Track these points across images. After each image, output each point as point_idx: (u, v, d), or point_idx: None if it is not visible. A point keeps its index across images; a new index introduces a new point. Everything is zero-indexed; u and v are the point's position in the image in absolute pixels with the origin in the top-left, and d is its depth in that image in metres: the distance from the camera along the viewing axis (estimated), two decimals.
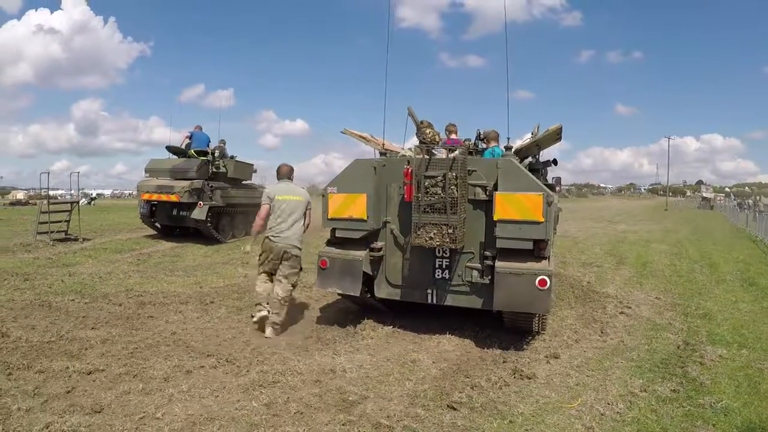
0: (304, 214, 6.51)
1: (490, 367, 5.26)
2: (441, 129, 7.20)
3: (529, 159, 7.81)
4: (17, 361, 4.97)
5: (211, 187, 14.88)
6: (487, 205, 5.83)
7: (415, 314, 6.99)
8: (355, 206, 6.13)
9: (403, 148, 7.42)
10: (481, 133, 7.23)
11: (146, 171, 15.72)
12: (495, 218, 5.58)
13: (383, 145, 7.23)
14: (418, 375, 5.04)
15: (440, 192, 5.72)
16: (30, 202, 43.41)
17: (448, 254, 6.09)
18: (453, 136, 7.09)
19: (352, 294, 6.32)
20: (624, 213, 42.24)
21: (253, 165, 18.03)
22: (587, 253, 14.29)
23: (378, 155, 7.06)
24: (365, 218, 6.11)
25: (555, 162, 8.26)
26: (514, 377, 4.96)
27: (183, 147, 15.74)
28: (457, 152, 6.07)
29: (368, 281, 6.47)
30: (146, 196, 14.94)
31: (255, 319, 6.38)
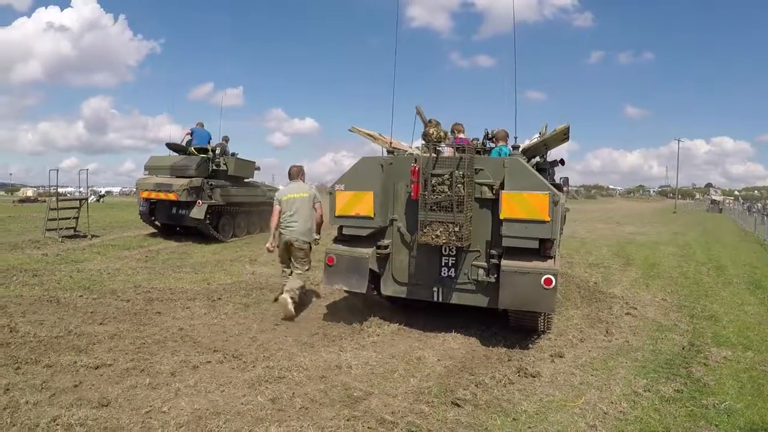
0: (314, 208, 7.17)
1: (495, 365, 5.29)
2: (448, 129, 7.22)
3: (537, 158, 7.83)
4: (25, 356, 5.03)
5: (211, 185, 14.66)
6: (493, 204, 5.85)
7: (420, 312, 7.02)
8: (362, 204, 6.16)
9: (410, 147, 7.45)
10: (490, 132, 7.24)
11: (146, 168, 15.51)
12: (501, 217, 5.60)
13: (391, 143, 7.26)
14: (423, 372, 5.06)
15: (447, 190, 5.74)
16: (39, 199, 43.65)
17: (454, 252, 6.11)
18: (461, 135, 7.11)
19: (358, 291, 6.35)
20: (632, 215, 42.04)
21: (255, 162, 17.69)
22: (595, 254, 14.26)
23: (386, 153, 7.09)
24: (372, 216, 6.14)
25: (562, 162, 8.27)
26: (519, 375, 4.98)
27: (183, 144, 15.61)
28: (453, 149, 6.12)
29: (375, 278, 6.51)
30: (145, 194, 14.78)
31: (276, 301, 7.16)
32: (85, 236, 14.48)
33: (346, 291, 6.75)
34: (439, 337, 6.20)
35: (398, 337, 6.19)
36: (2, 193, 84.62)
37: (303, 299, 7.44)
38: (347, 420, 3.97)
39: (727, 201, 74.39)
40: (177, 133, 22.44)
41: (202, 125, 16.01)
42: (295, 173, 7.46)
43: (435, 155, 5.92)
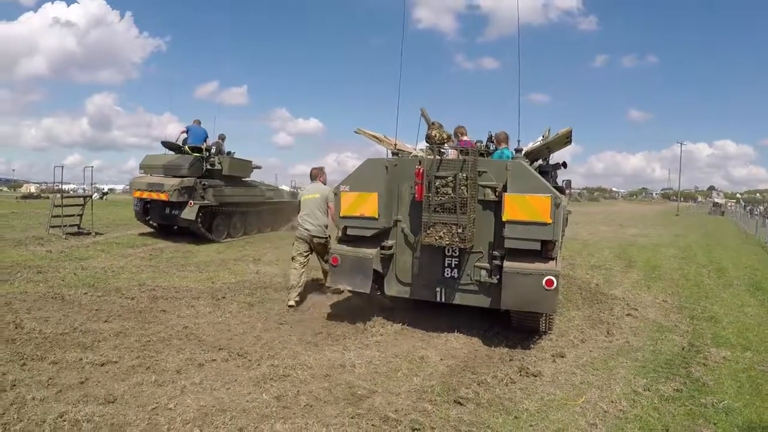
0: (328, 206, 7.48)
1: (497, 365, 5.34)
2: (451, 131, 7.26)
3: (539, 161, 7.88)
4: (31, 352, 5.09)
5: (204, 185, 14.36)
6: (496, 206, 5.90)
7: (424, 312, 7.06)
8: (366, 205, 6.22)
9: (415, 149, 7.51)
10: (493, 135, 7.29)
11: (141, 167, 15.28)
12: (504, 219, 5.65)
13: (396, 145, 7.31)
14: (426, 371, 5.11)
15: (451, 192, 5.80)
16: (42, 195, 43.72)
17: (457, 253, 6.16)
18: (465, 138, 7.16)
19: (362, 291, 6.39)
20: (635, 217, 42.03)
21: (251, 162, 17.25)
22: (597, 255, 14.29)
23: (390, 155, 7.14)
24: (377, 217, 6.20)
25: (564, 165, 8.33)
26: (520, 375, 5.04)
27: (178, 142, 15.31)
28: (457, 152, 6.17)
29: (378, 279, 6.56)
30: (137, 194, 14.63)
31: (289, 303, 7.56)
32: (88, 234, 14.50)
33: (350, 291, 6.80)
34: (442, 336, 6.25)
35: (401, 337, 6.24)
36: (5, 189, 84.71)
37: (306, 298, 7.52)
38: (351, 418, 4.03)
39: (730, 204, 74.31)
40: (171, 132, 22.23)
41: (199, 123, 15.75)
42: (314, 175, 8.09)
43: (439, 157, 5.97)
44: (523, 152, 6.92)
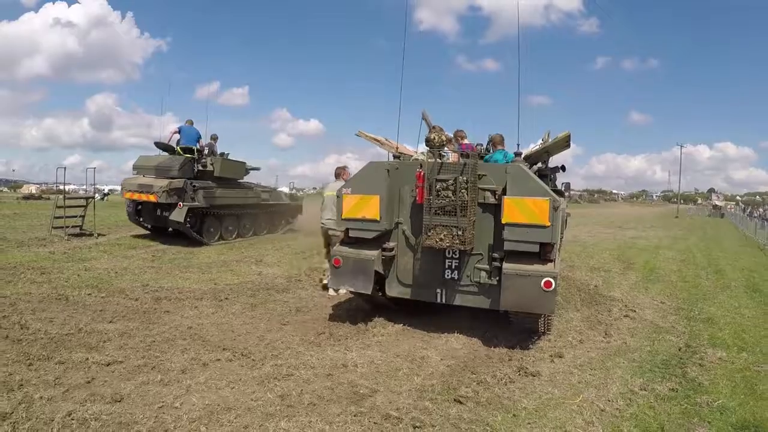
0: None
1: (496, 365, 5.42)
2: (451, 134, 7.33)
3: (539, 164, 7.96)
4: (37, 352, 5.14)
5: (194, 186, 14.09)
6: (496, 209, 5.98)
7: (424, 313, 7.14)
8: (368, 207, 6.30)
9: (416, 152, 7.58)
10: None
11: (134, 168, 15.02)
12: (503, 221, 5.74)
13: (397, 148, 7.39)
14: (427, 371, 5.19)
15: (451, 195, 5.88)
16: (43, 196, 43.69)
17: (457, 255, 6.24)
18: (465, 141, 7.23)
19: (364, 292, 6.47)
20: (635, 219, 42.08)
21: (245, 163, 16.91)
22: (596, 257, 14.36)
23: (392, 158, 7.22)
24: (378, 219, 6.28)
25: (563, 168, 8.41)
26: (519, 374, 5.12)
27: (171, 143, 15.09)
28: (458, 155, 6.25)
29: (380, 280, 6.63)
30: (128, 195, 14.48)
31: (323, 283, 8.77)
32: (91, 235, 14.57)
33: (351, 292, 6.87)
34: (442, 337, 6.33)
35: (402, 337, 6.32)
36: (5, 189, 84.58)
37: (309, 299, 7.60)
38: (354, 416, 4.11)
39: (729, 206, 74.40)
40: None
41: (192, 123, 15.48)
42: (338, 174, 8.94)
43: (439, 161, 6.05)
44: (523, 156, 7.00)
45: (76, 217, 14.77)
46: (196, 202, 14.10)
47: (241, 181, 16.73)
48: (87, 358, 5.06)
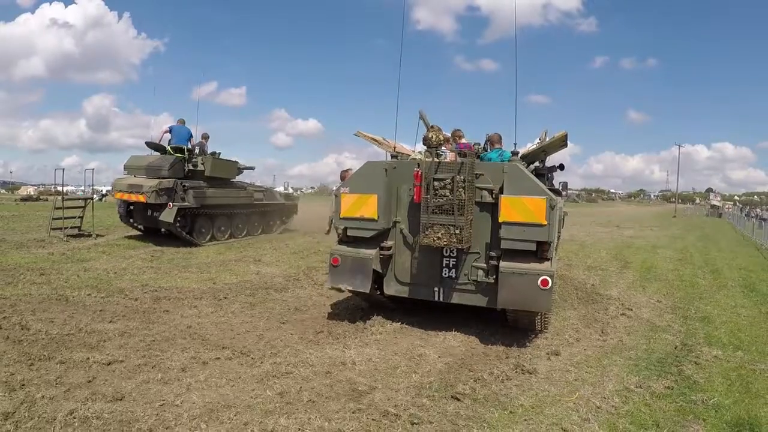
0: None
1: (494, 362, 5.47)
2: (449, 133, 7.37)
3: (536, 164, 8.00)
4: (38, 352, 5.18)
5: (184, 186, 13.90)
6: (493, 208, 6.03)
7: (422, 311, 7.19)
8: (366, 206, 6.34)
9: (414, 151, 7.62)
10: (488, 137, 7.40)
11: (125, 168, 14.84)
12: (500, 220, 5.79)
13: (395, 147, 7.42)
14: (425, 368, 5.23)
15: (448, 194, 5.93)
16: (42, 197, 43.66)
17: (455, 254, 6.29)
18: (463, 141, 7.26)
19: (362, 291, 6.51)
20: (632, 219, 42.12)
21: (237, 163, 16.57)
22: (593, 257, 14.42)
23: (389, 157, 7.25)
24: (376, 218, 6.32)
25: (562, 167, 8.43)
26: (516, 372, 5.17)
27: (162, 142, 14.89)
28: (455, 155, 6.29)
29: (378, 279, 6.68)
30: (118, 195, 14.31)
31: None
32: (89, 235, 14.56)
33: (350, 291, 6.92)
34: (440, 335, 6.37)
35: (400, 335, 6.36)
36: (3, 191, 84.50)
37: (307, 298, 7.63)
38: (352, 412, 4.15)
39: (727, 206, 74.49)
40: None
41: (183, 122, 15.29)
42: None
43: (437, 160, 6.10)
44: (520, 155, 7.04)
45: (74, 218, 14.75)
46: (186, 203, 13.92)
47: (233, 180, 16.52)
48: (88, 358, 5.09)
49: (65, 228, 14.18)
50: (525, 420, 4.15)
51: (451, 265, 6.33)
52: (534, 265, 5.74)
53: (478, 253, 6.20)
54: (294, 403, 4.28)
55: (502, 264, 5.84)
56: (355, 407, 4.24)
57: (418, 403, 4.37)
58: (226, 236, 15.69)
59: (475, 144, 7.21)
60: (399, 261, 6.58)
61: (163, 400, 4.24)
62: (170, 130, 14.94)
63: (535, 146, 7.90)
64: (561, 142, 7.52)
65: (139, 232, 15.58)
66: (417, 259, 6.46)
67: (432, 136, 6.51)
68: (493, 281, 6.06)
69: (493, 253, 6.09)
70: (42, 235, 14.09)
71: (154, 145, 14.93)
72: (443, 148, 6.53)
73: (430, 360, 5.49)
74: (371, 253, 6.41)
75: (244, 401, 4.28)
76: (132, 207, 14.78)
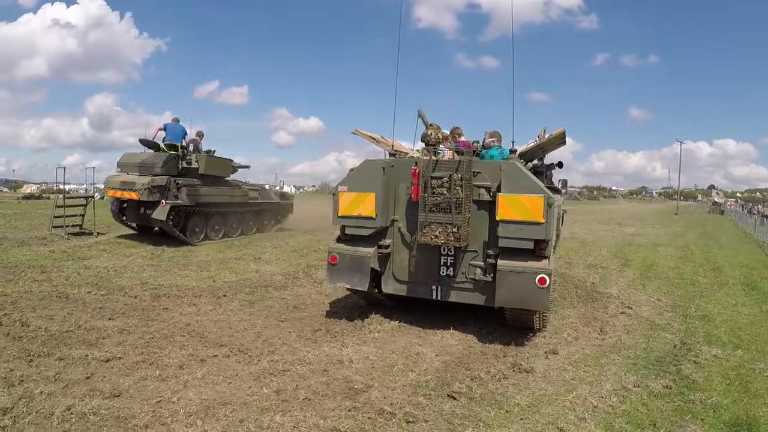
0: None
1: (491, 361, 5.47)
2: (448, 132, 7.36)
3: (534, 161, 7.99)
4: (37, 349, 5.21)
5: (178, 184, 13.70)
6: (490, 206, 6.02)
7: (420, 310, 7.18)
8: (364, 205, 6.34)
9: (412, 149, 7.61)
10: (487, 135, 7.38)
11: (118, 165, 14.59)
12: (498, 218, 5.78)
13: (393, 146, 7.41)
14: (422, 367, 5.24)
15: (446, 192, 5.93)
16: (43, 196, 43.70)
17: (452, 252, 6.29)
18: (462, 139, 7.26)
19: (360, 289, 6.53)
20: (634, 216, 41.98)
21: (231, 161, 16.43)
22: (594, 254, 14.39)
23: (388, 156, 7.25)
24: (374, 216, 6.32)
25: (560, 165, 8.43)
26: (513, 371, 5.16)
27: (154, 139, 14.82)
28: (453, 153, 6.29)
29: (376, 277, 6.69)
30: (111, 193, 14.10)
31: None
32: (90, 234, 14.61)
33: (348, 289, 6.91)
34: (438, 333, 6.37)
35: (398, 334, 6.36)
36: (6, 189, 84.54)
37: (305, 296, 7.64)
38: (348, 410, 4.15)
39: (729, 203, 74.33)
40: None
41: (178, 120, 15.13)
42: None
43: (435, 158, 6.09)
44: (518, 153, 7.03)
45: (75, 216, 14.79)
46: (180, 200, 13.72)
47: (228, 179, 16.38)
48: (86, 355, 5.12)
49: (66, 226, 14.21)
50: (521, 419, 4.15)
51: (448, 264, 6.33)
52: (532, 264, 5.73)
53: (476, 251, 6.20)
54: (290, 401, 4.29)
55: (500, 262, 5.83)
56: (351, 405, 4.25)
57: (414, 402, 4.37)
58: (220, 235, 15.51)
59: (474, 142, 7.20)
60: (397, 259, 6.58)
61: (160, 397, 4.26)
62: (164, 128, 14.87)
63: (533, 144, 7.89)
64: (559, 140, 7.51)
65: (141, 231, 15.43)
66: (415, 257, 6.45)
67: (431, 134, 6.51)
68: (490, 279, 6.05)
69: (490, 252, 6.08)
70: (43, 233, 14.13)
71: (148, 143, 14.80)
72: (441, 146, 6.52)
73: (428, 358, 5.49)
74: (369, 251, 6.42)
75: (240, 398, 4.29)
76: (125, 205, 14.56)
